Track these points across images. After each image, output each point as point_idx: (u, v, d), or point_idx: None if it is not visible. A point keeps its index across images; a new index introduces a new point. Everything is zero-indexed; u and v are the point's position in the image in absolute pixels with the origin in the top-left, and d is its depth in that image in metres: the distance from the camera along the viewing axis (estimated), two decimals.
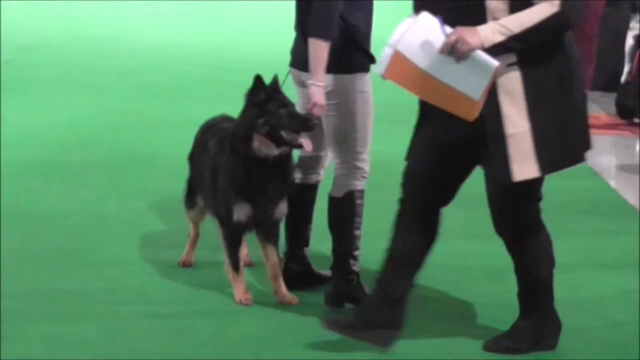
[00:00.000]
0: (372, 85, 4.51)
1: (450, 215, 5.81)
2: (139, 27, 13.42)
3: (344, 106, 4.38)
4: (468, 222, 5.82)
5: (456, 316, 4.51)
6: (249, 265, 4.77)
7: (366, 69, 4.51)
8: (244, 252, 4.66)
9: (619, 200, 6.50)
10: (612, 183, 6.87)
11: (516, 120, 3.65)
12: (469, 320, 4.46)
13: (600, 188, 6.79)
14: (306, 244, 4.68)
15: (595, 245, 5.60)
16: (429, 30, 3.59)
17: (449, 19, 3.58)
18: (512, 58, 3.62)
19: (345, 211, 4.46)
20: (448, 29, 3.56)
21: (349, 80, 4.41)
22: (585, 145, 4.01)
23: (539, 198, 4.07)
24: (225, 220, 4.44)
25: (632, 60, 9.61)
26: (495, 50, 3.54)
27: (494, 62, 3.54)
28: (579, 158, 3.99)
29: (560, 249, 5.42)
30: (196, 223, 4.84)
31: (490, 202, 4.04)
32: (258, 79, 4.31)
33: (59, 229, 5.36)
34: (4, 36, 11.75)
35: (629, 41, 10.35)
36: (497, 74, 3.57)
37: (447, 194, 4.08)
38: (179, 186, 4.92)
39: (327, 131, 4.43)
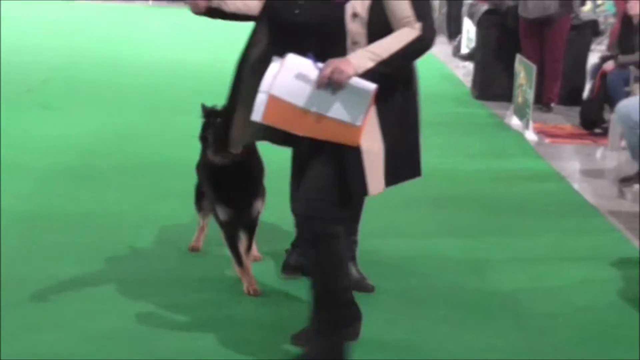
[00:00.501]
0: None
1: (434, 216, 5.85)
2: (159, 48, 13.51)
3: None
4: (450, 221, 5.82)
5: (437, 303, 4.48)
6: (257, 259, 4.72)
7: None
8: (253, 248, 4.61)
9: (581, 201, 6.49)
10: (576, 186, 6.86)
11: (370, 137, 3.39)
12: (448, 307, 4.43)
13: (566, 190, 6.77)
14: None
15: (561, 240, 5.57)
16: (300, 68, 3.31)
17: (311, 46, 3.36)
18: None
19: None
20: (320, 64, 3.29)
21: None
22: (415, 169, 3.71)
23: (342, 219, 3.57)
24: (218, 222, 4.44)
25: (594, 78, 9.62)
26: (366, 76, 3.28)
27: (370, 86, 3.27)
28: (414, 175, 3.69)
29: (531, 245, 5.47)
30: (205, 220, 4.84)
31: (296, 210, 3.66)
32: (202, 107, 4.32)
33: (85, 226, 5.33)
34: (42, 57, 11.83)
35: (592, 61, 10.38)
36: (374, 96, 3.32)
37: None
38: (192, 188, 4.89)
39: None
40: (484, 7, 11.18)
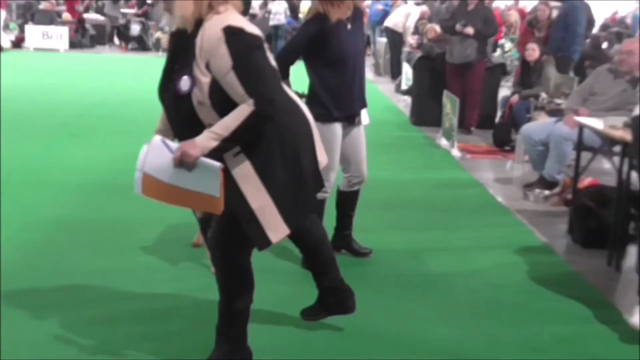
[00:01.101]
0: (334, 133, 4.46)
1: (383, 215, 5.86)
2: None
3: None
4: (395, 219, 5.83)
5: (386, 282, 4.49)
6: None
7: (324, 120, 4.32)
8: None
9: (495, 202, 6.53)
10: (491, 191, 6.90)
11: (257, 196, 2.98)
12: (394, 286, 4.44)
13: (483, 194, 6.81)
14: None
15: (480, 233, 5.60)
16: (162, 149, 3.01)
17: (182, 130, 3.03)
18: (237, 148, 2.95)
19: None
20: (174, 146, 2.98)
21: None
22: (315, 191, 3.25)
23: (242, 249, 3.20)
24: (196, 218, 4.41)
25: (503, 107, 9.71)
26: (215, 153, 2.89)
27: (216, 164, 2.91)
28: (313, 205, 3.28)
29: (457, 237, 5.49)
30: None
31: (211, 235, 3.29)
32: None
33: (110, 228, 5.31)
34: (77, 97, 11.74)
35: (502, 94, 10.46)
36: (228, 164, 2.97)
37: None
38: None
39: None
40: (418, 54, 11.23)
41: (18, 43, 19.88)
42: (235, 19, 2.92)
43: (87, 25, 21.62)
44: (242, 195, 2.98)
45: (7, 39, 19.54)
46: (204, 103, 2.90)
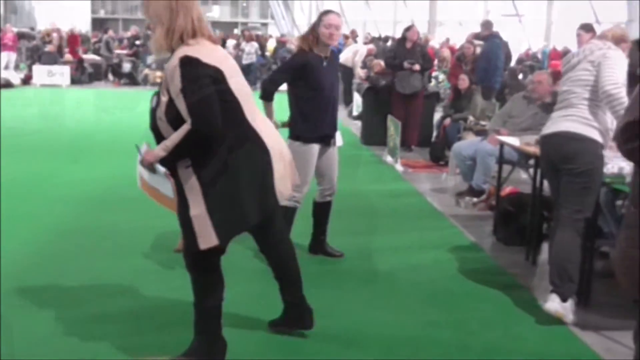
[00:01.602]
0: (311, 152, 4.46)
1: (337, 222, 5.82)
2: None
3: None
4: (347, 225, 5.79)
5: (341, 279, 4.45)
6: None
7: (301, 141, 4.41)
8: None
9: (432, 209, 6.55)
10: (428, 199, 6.93)
11: (196, 205, 2.87)
12: (348, 281, 4.41)
13: (422, 202, 6.83)
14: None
15: (420, 235, 5.61)
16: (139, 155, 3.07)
17: (156, 139, 3.00)
18: (188, 162, 2.88)
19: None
20: (143, 152, 3.04)
21: (291, 144, 4.34)
22: (252, 215, 3.00)
23: (214, 255, 3.04)
24: None
25: (438, 128, 9.77)
26: (165, 162, 2.93)
27: (161, 169, 3.00)
28: (246, 226, 3.05)
29: (400, 238, 5.50)
30: None
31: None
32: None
33: (106, 235, 5.21)
34: (77, 125, 11.56)
35: (437, 117, 10.53)
36: (180, 175, 2.92)
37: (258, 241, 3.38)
38: None
39: None
40: (366, 85, 11.27)
41: (27, 80, 19.62)
42: (197, 50, 2.87)
43: (86, 64, 21.37)
44: (187, 203, 2.91)
45: (17, 77, 19.34)
46: (162, 119, 2.92)
